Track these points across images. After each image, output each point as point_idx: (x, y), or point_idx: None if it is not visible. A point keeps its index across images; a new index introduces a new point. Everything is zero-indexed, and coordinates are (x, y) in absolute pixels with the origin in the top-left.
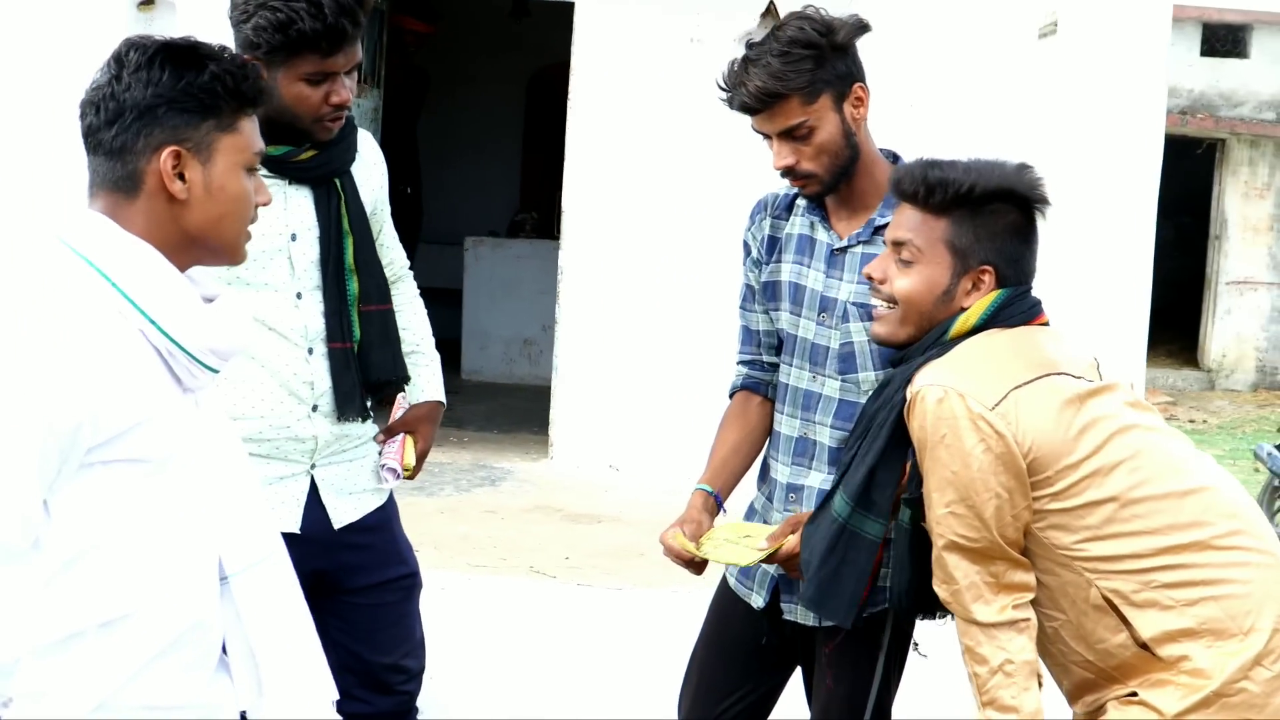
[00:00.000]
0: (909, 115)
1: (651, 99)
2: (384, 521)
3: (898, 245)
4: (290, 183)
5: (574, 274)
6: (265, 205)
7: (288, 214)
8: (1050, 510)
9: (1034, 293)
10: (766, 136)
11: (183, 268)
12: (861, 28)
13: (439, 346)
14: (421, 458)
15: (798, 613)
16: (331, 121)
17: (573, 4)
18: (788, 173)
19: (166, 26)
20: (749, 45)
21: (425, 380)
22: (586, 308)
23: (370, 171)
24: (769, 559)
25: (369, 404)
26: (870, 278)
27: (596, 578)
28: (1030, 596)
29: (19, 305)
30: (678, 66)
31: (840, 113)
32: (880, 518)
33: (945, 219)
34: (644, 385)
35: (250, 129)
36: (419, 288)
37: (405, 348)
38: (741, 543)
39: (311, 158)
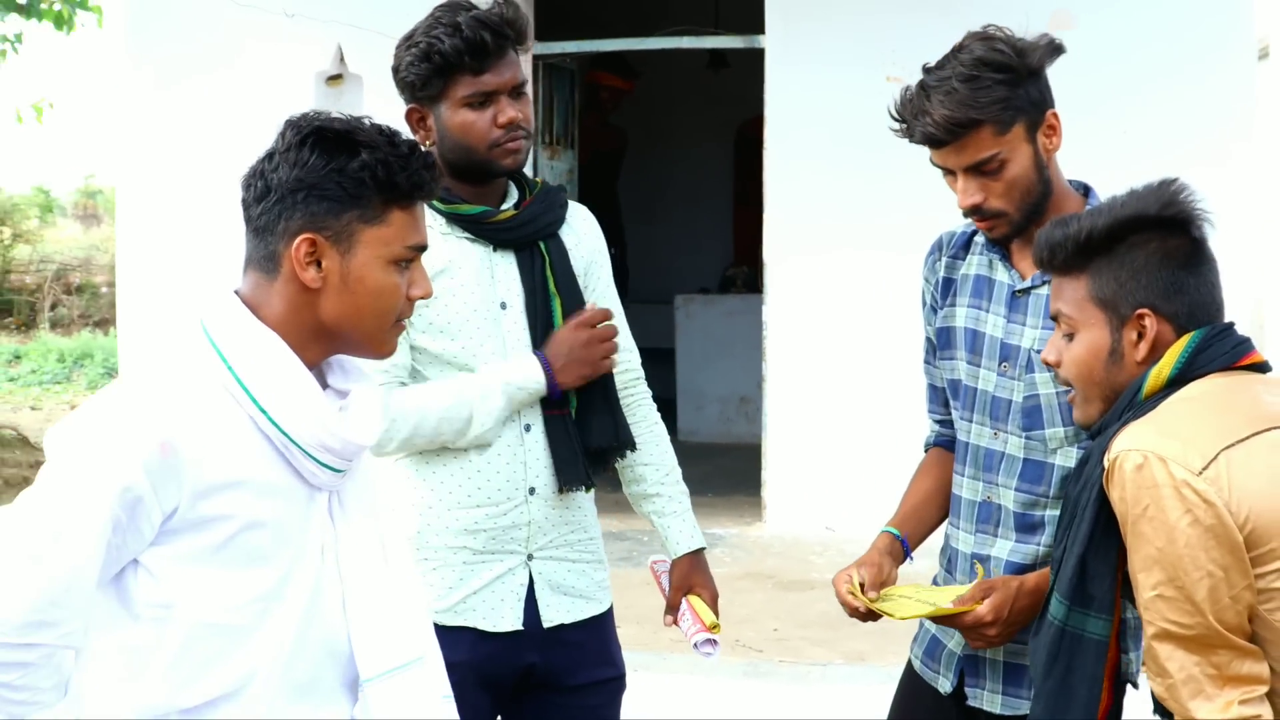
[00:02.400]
0: (1122, 141)
1: (849, 142)
2: (599, 621)
3: (1057, 321)
4: (495, 249)
5: (780, 329)
6: (424, 298)
7: (495, 283)
8: (1278, 589)
9: (1237, 330)
10: (949, 173)
11: (320, 356)
12: (1055, 49)
13: None
14: (714, 603)
15: (983, 698)
16: (509, 144)
17: (763, 50)
18: (973, 212)
19: (353, 102)
20: (926, 70)
21: (676, 530)
22: (795, 363)
23: (581, 240)
24: (948, 620)
25: (590, 473)
26: (1048, 364)
27: (805, 650)
28: (1262, 690)
29: (128, 377)
30: (875, 107)
31: (1034, 144)
32: (1102, 613)
33: (1084, 275)
34: (859, 440)
35: (404, 222)
36: None
37: (645, 488)
38: (921, 600)
39: (511, 218)
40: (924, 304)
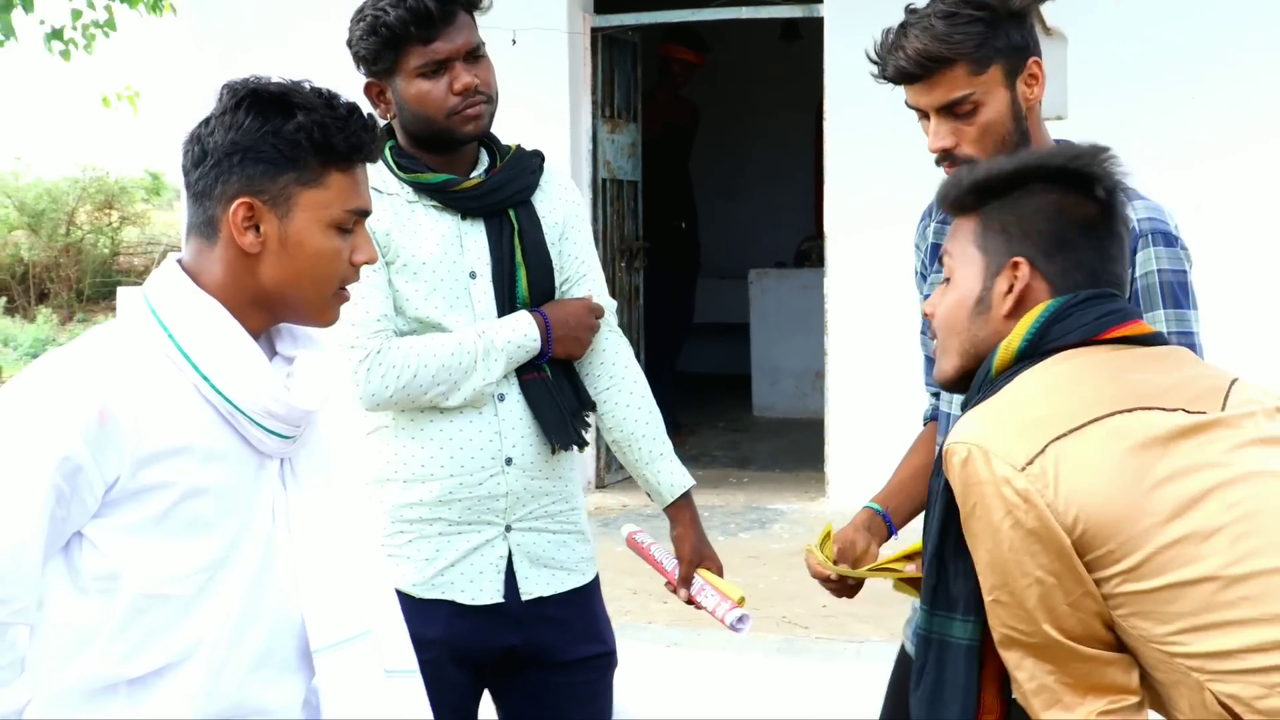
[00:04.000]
0: (1190, 106)
1: (910, 114)
2: (584, 595)
3: (943, 267)
4: (464, 217)
5: (842, 303)
6: (369, 263)
7: (464, 252)
8: (1126, 594)
9: (1116, 300)
10: (923, 116)
11: (264, 323)
12: None
13: (729, 382)
14: (721, 574)
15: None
16: (468, 110)
17: (820, 19)
18: (944, 157)
19: None
20: (909, 10)
21: (668, 474)
22: (858, 337)
23: (556, 206)
24: (914, 585)
25: (574, 436)
26: (926, 316)
27: (851, 626)
28: (1132, 700)
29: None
30: None
31: (1012, 90)
32: (968, 615)
33: (974, 217)
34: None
35: (343, 184)
36: (704, 323)
37: (627, 432)
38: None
39: (476, 186)
40: (915, 272)
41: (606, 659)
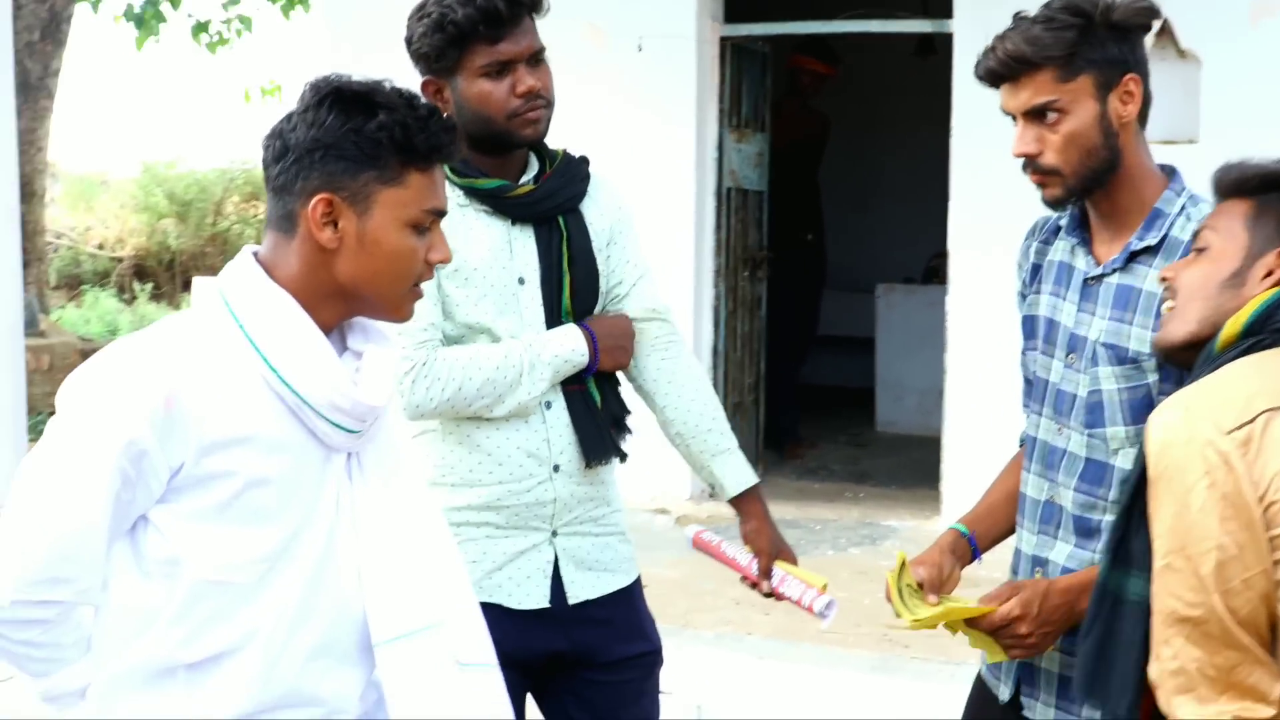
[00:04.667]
0: None
1: None
2: (627, 595)
3: (1198, 239)
4: (514, 223)
5: (962, 321)
6: (443, 263)
7: (514, 258)
8: None
9: None
10: (1015, 121)
11: (337, 317)
12: (1149, 12)
13: (852, 397)
14: (795, 562)
15: (1037, 709)
16: (529, 114)
17: (950, 34)
18: (1027, 164)
19: None
20: (1017, 16)
21: (734, 468)
22: (977, 356)
23: (604, 212)
24: (977, 625)
25: (618, 445)
26: (1163, 279)
27: (952, 649)
28: (1267, 713)
29: (138, 333)
30: None
31: (1102, 103)
32: (1144, 572)
33: (1250, 201)
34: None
35: (421, 184)
36: (831, 335)
37: (692, 426)
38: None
39: (529, 193)
40: (1017, 292)
41: (652, 657)
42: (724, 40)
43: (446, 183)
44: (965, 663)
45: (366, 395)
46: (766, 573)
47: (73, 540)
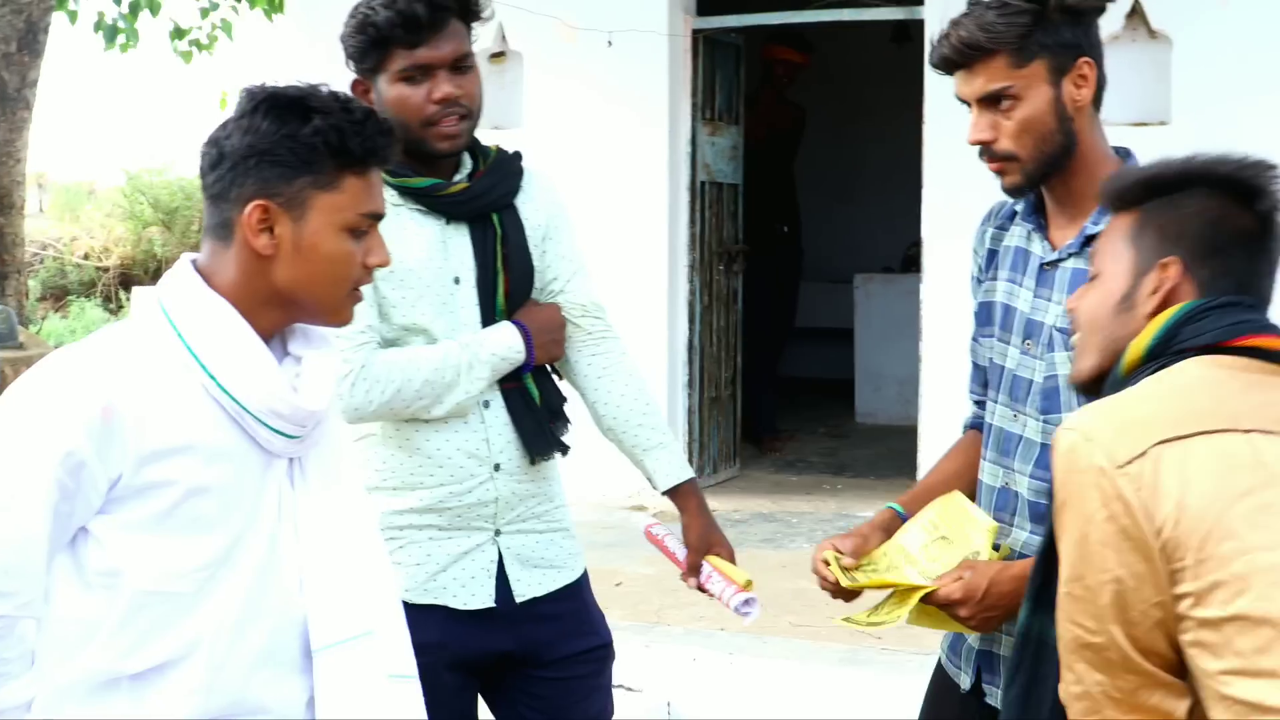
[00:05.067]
0: None
1: None
2: (574, 590)
3: (1091, 263)
4: (448, 222)
5: (937, 310)
6: (381, 266)
7: (449, 257)
8: (1192, 617)
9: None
10: (970, 108)
11: (277, 323)
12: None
13: (832, 388)
14: (732, 560)
15: (998, 696)
16: (444, 123)
17: (922, 21)
18: (983, 151)
19: (515, 78)
20: (971, 2)
21: (666, 462)
22: (952, 344)
23: (539, 208)
24: (925, 597)
25: (559, 439)
26: (1068, 309)
27: (925, 640)
28: None
29: (76, 344)
30: None
31: (1056, 88)
32: None
33: (1133, 213)
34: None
35: (357, 188)
36: (809, 327)
37: (623, 421)
38: (904, 570)
39: (461, 191)
40: (971, 277)
41: (603, 651)
42: (696, 33)
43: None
44: (936, 653)
45: (306, 400)
46: (694, 568)
47: (12, 553)
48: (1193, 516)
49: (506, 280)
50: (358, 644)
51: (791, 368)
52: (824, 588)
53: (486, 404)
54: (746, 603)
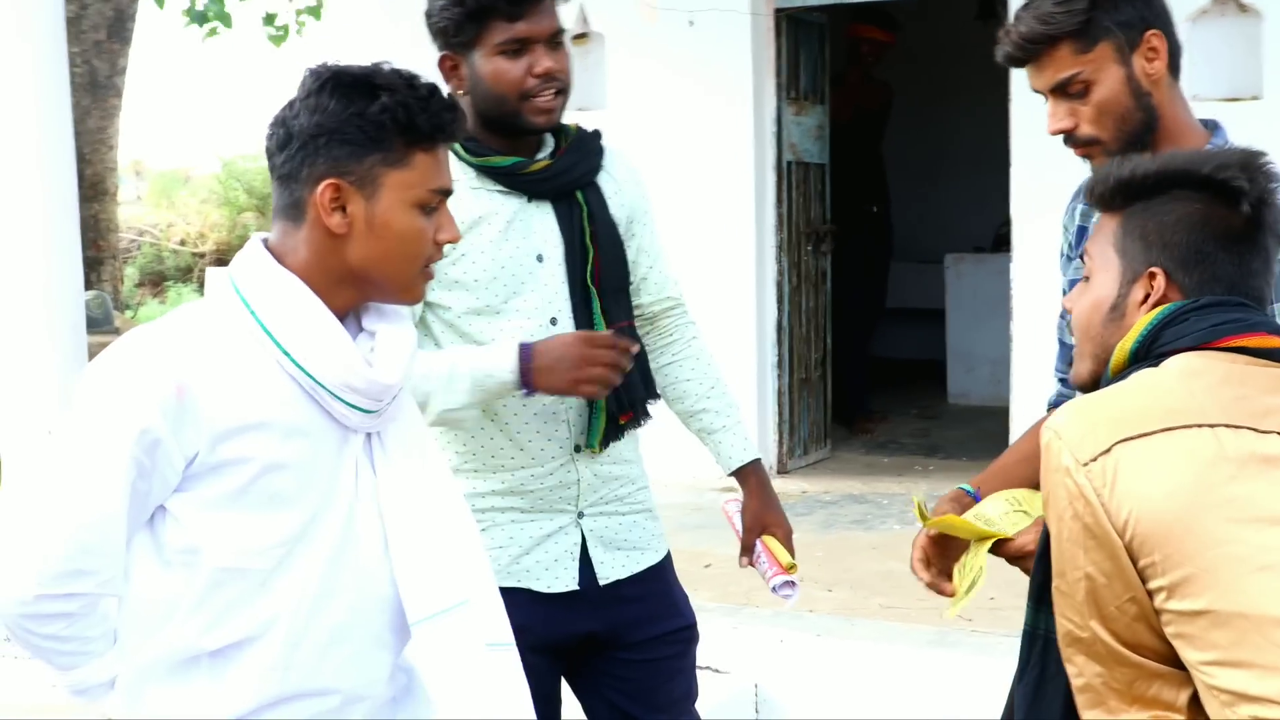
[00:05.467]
0: None
1: None
2: (658, 572)
3: (1084, 264)
4: (529, 200)
5: (1027, 289)
6: (452, 243)
7: (530, 235)
8: (1169, 611)
9: (1243, 308)
10: (1046, 99)
11: (350, 301)
12: None
13: (924, 368)
14: (788, 541)
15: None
16: (541, 97)
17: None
18: (1068, 139)
19: (597, 59)
20: None
21: (729, 444)
22: (1043, 323)
23: (621, 187)
24: (997, 549)
25: (618, 431)
26: (1065, 310)
27: (1015, 621)
28: (1180, 719)
29: (150, 323)
30: None
31: (1126, 66)
32: None
33: (1117, 217)
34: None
35: (427, 165)
36: (897, 308)
37: (690, 404)
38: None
39: (545, 168)
40: (1060, 254)
41: (687, 633)
42: (779, 12)
43: (458, 162)
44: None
45: (381, 374)
46: (747, 547)
47: (92, 532)
48: (1156, 512)
49: (596, 257)
50: (455, 614)
51: (883, 348)
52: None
53: None
54: (786, 584)
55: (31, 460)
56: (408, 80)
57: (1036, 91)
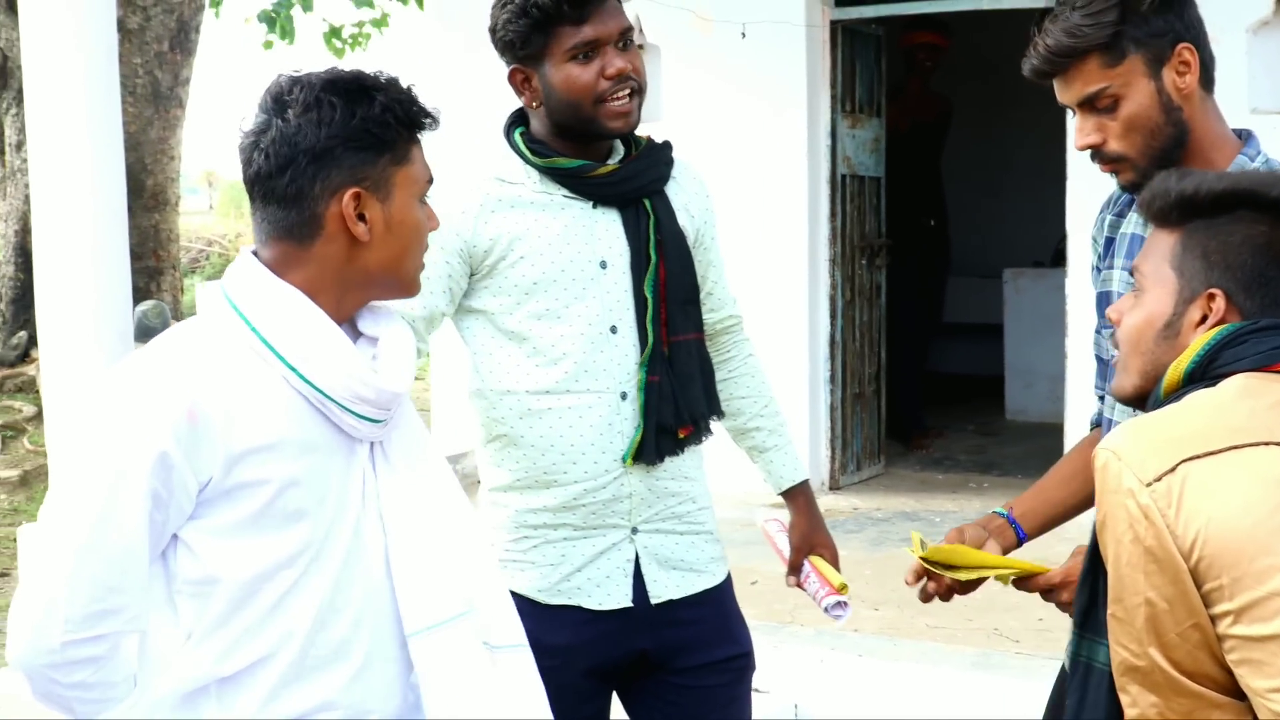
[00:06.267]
0: None
1: None
2: (715, 596)
3: (1134, 274)
4: (595, 205)
5: (1083, 303)
6: (434, 230)
7: (595, 240)
8: (1234, 636)
9: None
10: (1074, 114)
11: (354, 307)
12: None
13: (982, 384)
14: (835, 561)
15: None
16: (617, 102)
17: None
18: (1095, 155)
19: (653, 71)
20: (1059, 3)
21: (780, 464)
22: None
23: (690, 199)
24: (1021, 584)
25: (675, 445)
26: (1110, 321)
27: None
28: None
29: (150, 346)
30: None
31: (1156, 79)
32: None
33: (1175, 234)
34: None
35: (420, 156)
36: (954, 323)
37: (743, 422)
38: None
39: (613, 172)
40: (1091, 266)
41: (743, 660)
42: (835, 23)
43: (522, 167)
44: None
45: (388, 381)
46: (795, 567)
47: (117, 569)
48: (1224, 533)
49: (662, 266)
50: (455, 625)
51: (941, 363)
52: (919, 587)
53: (624, 395)
54: (838, 604)
55: (47, 502)
56: (390, 78)
57: (1064, 106)
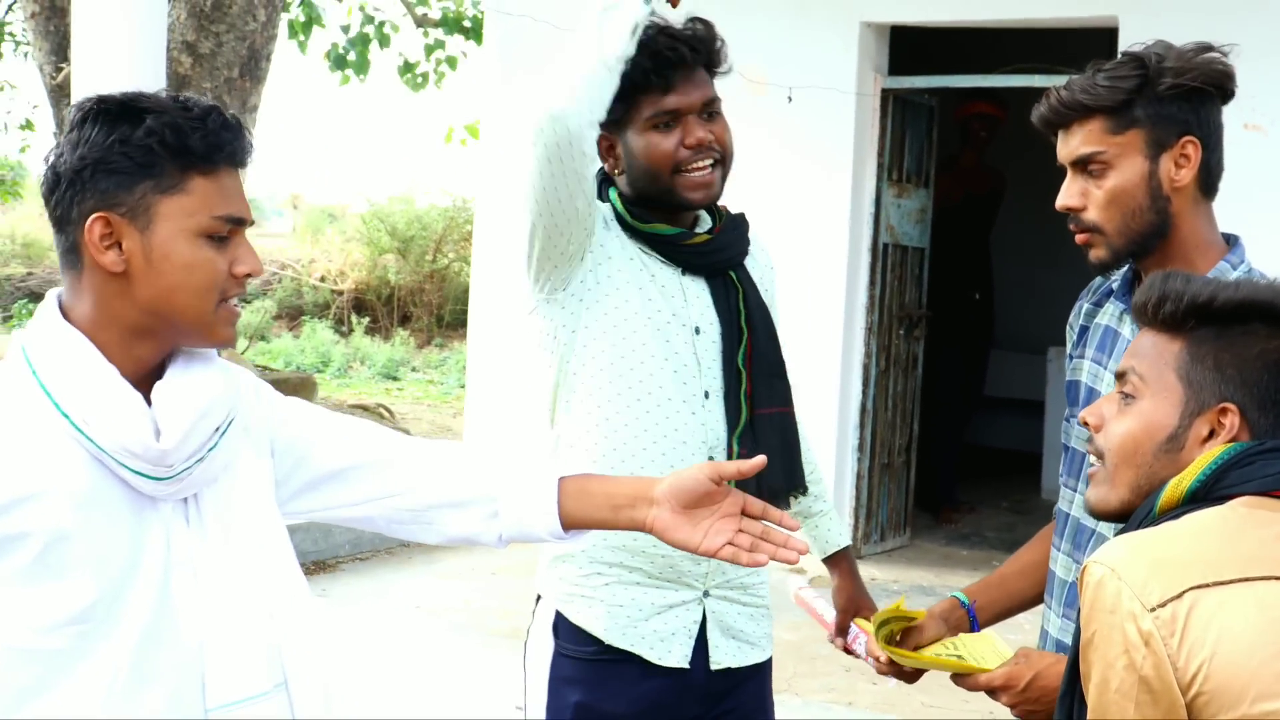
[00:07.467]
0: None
1: None
2: (762, 671)
3: (1121, 378)
4: (684, 273)
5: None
6: (252, 276)
7: (688, 306)
8: None
9: None
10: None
11: (154, 352)
12: (1220, 77)
13: (1020, 460)
14: None
15: None
16: (696, 170)
17: None
18: (1072, 219)
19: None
20: (1090, 65)
21: (826, 528)
22: None
23: (763, 273)
24: (963, 680)
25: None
26: (1085, 424)
27: None
28: None
29: None
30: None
31: (1152, 161)
32: None
33: (1181, 340)
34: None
35: (208, 189)
36: (1000, 397)
37: None
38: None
39: (706, 241)
40: (1067, 353)
41: None
42: (886, 92)
43: (621, 228)
44: None
45: (165, 439)
46: (842, 629)
47: None
48: (1229, 670)
49: (749, 337)
50: (266, 701)
51: (981, 437)
52: (876, 667)
53: (710, 459)
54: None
55: None
56: (181, 103)
57: (1060, 163)
